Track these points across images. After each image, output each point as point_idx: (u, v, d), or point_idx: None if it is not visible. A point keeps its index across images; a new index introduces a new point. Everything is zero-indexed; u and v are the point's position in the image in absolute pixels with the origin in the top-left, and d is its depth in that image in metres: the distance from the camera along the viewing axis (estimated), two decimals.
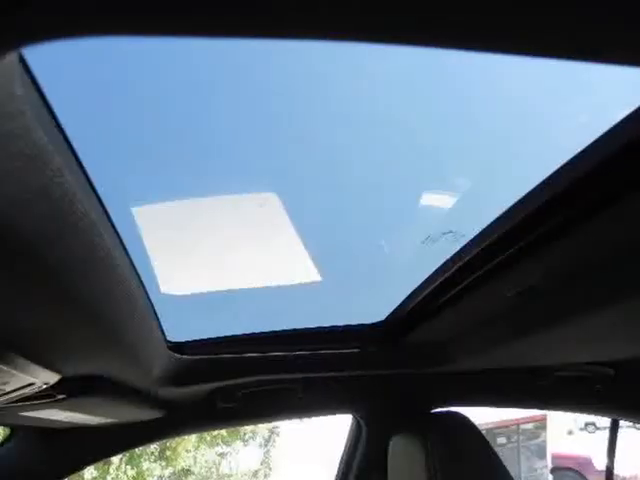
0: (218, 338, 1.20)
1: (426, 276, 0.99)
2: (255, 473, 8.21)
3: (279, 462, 8.38)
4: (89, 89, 0.59)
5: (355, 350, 1.29)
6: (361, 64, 0.62)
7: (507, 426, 6.93)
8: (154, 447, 7.18)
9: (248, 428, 8.25)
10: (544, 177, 0.64)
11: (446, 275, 0.92)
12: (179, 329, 1.11)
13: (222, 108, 0.68)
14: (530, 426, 7.17)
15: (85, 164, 0.50)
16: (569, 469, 6.76)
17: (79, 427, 1.24)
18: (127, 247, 0.65)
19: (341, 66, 0.63)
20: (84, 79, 0.57)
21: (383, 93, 0.69)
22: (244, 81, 0.66)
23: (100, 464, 6.02)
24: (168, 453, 7.21)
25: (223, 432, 7.90)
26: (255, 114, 0.71)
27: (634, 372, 1.43)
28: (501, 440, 6.83)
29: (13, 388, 0.66)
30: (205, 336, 1.18)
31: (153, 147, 0.73)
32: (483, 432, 1.37)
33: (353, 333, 1.29)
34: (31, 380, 0.65)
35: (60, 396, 0.80)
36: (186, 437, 7.27)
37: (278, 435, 8.54)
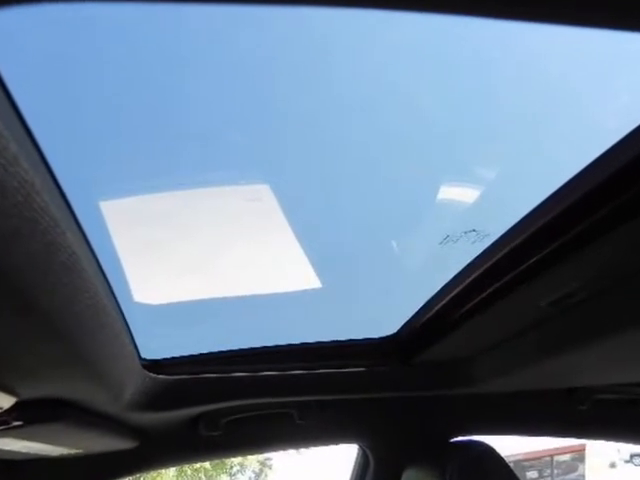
0: (201, 355, 1.20)
1: (444, 283, 0.99)
2: None
3: None
4: (50, 65, 0.59)
5: (361, 369, 1.29)
6: (367, 35, 0.62)
7: (539, 458, 6.94)
8: None
9: (236, 460, 8.25)
10: (582, 167, 0.64)
11: (467, 282, 0.92)
12: (155, 344, 1.11)
13: (205, 86, 0.68)
14: (566, 458, 7.18)
15: (45, 151, 0.50)
16: None
17: (38, 459, 1.24)
18: (94, 248, 0.65)
19: (343, 38, 0.63)
20: (43, 53, 0.58)
21: (392, 70, 0.69)
22: (230, 54, 0.66)
23: None
24: None
25: (206, 464, 7.91)
26: (244, 93, 0.71)
27: None
28: (532, 474, 6.84)
29: None
30: (185, 353, 1.19)
31: (125, 132, 0.74)
32: (511, 464, 1.37)
33: (358, 349, 1.29)
34: None
35: (16, 423, 0.80)
36: (163, 470, 7.27)
37: (271, 468, 8.55)
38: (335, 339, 1.27)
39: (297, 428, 1.46)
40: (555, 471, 7.06)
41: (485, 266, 0.87)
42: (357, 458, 1.64)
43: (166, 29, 0.59)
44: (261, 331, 1.22)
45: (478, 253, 0.88)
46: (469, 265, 0.91)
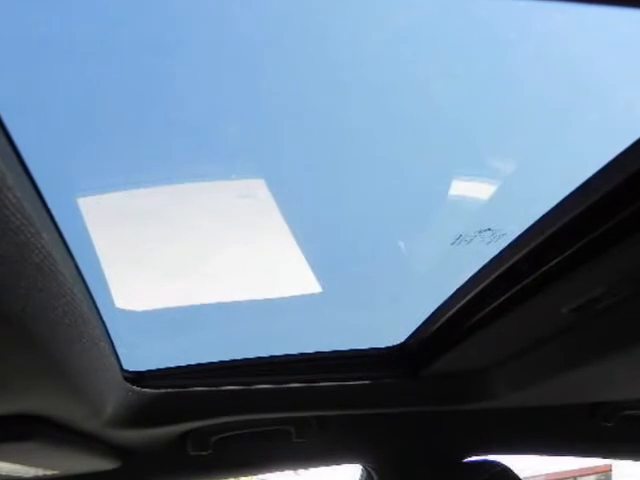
0: (189, 367, 1.20)
1: (456, 287, 0.99)
2: None
3: None
4: (20, 48, 0.59)
5: (365, 382, 1.29)
6: (371, 14, 0.62)
7: (561, 479, 6.94)
8: None
9: None
10: (607, 160, 0.64)
11: (482, 286, 0.92)
12: (139, 355, 1.11)
13: (193, 69, 0.68)
14: (591, 479, 7.18)
15: (16, 141, 0.50)
16: None
17: None
18: (72, 249, 0.65)
19: (345, 16, 0.63)
20: (13, 36, 0.57)
21: (399, 53, 0.69)
22: (223, 32, 0.66)
23: None
24: None
25: None
26: (236, 77, 0.71)
27: None
28: None
29: None
30: (172, 364, 1.19)
31: (105, 122, 0.73)
32: None
33: (362, 360, 1.29)
34: None
35: None
36: None
37: None
38: (337, 349, 1.27)
39: (295, 447, 1.46)
40: None
41: (501, 269, 0.87)
42: (360, 479, 1.64)
43: (150, 6, 0.59)
44: (255, 340, 1.22)
45: (494, 255, 0.88)
46: (484, 268, 0.91)
